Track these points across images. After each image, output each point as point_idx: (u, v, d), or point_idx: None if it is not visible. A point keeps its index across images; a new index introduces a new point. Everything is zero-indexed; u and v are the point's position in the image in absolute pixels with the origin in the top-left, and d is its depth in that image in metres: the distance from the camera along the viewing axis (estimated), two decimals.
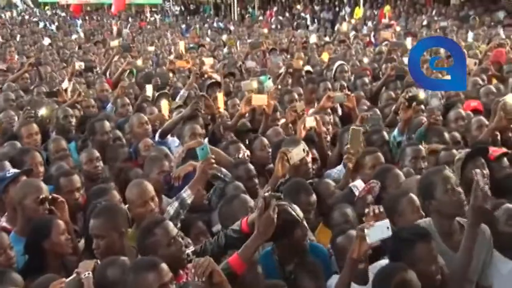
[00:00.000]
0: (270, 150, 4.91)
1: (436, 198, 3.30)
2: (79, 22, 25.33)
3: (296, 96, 6.61)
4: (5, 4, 33.28)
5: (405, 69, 7.60)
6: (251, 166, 4.52)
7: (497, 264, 3.39)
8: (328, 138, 5.48)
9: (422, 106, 5.61)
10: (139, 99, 7.33)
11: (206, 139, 5.43)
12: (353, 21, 19.85)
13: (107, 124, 5.56)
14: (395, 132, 5.13)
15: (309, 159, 4.47)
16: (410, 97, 5.14)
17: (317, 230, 3.99)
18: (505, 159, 4.44)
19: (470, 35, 13.38)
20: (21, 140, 5.43)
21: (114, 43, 12.36)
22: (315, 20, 23.18)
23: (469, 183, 3.25)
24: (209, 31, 19.99)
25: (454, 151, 4.46)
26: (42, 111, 6.14)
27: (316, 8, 24.66)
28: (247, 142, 5.29)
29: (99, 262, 3.05)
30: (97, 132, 5.47)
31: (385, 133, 5.13)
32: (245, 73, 9.34)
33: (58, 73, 9.82)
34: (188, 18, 27.36)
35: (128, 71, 8.91)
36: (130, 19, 25.31)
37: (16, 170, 4.28)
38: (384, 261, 3.22)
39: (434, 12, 19.86)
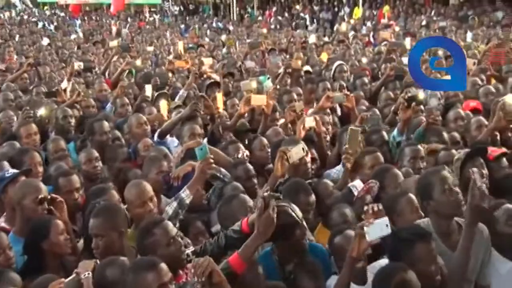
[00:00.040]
0: (269, 150, 4.91)
1: (434, 198, 3.30)
2: (78, 22, 25.31)
3: (295, 96, 6.61)
4: (4, 4, 33.24)
5: (404, 69, 7.62)
6: (250, 166, 4.52)
7: (495, 263, 3.39)
8: (328, 138, 5.48)
9: (422, 106, 5.61)
10: (138, 99, 7.32)
11: (205, 139, 5.43)
12: (352, 21, 19.86)
13: (106, 124, 5.56)
14: (395, 132, 5.13)
15: (308, 159, 4.47)
16: (410, 97, 5.15)
17: (316, 230, 3.99)
18: (504, 159, 4.44)
19: (469, 35, 13.41)
20: (20, 140, 5.43)
21: (113, 43, 12.37)
22: (314, 20, 23.19)
23: (468, 183, 3.23)
24: (208, 31, 19.99)
25: (453, 151, 4.45)
26: (41, 111, 6.14)
27: (315, 8, 24.66)
28: (246, 142, 5.29)
29: (98, 262, 3.05)
30: (96, 132, 5.47)
31: (384, 133, 5.14)
32: (244, 73, 9.34)
33: (57, 73, 9.83)
34: (187, 18, 27.36)
35: (127, 71, 8.90)
36: (129, 19, 25.31)
37: (15, 170, 4.27)
38: (383, 261, 3.22)
39: (433, 12, 19.89)
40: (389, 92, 7.07)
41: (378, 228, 2.89)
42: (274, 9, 26.36)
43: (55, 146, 5.29)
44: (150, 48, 13.54)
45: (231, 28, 21.85)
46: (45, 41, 15.99)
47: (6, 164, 4.58)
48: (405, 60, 8.37)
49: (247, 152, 4.90)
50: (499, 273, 3.37)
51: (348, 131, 4.58)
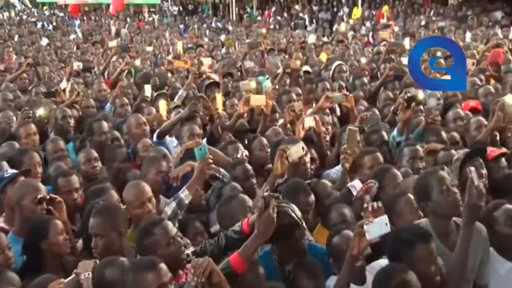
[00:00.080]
0: (269, 150, 4.91)
1: (432, 199, 3.29)
2: (77, 22, 25.30)
3: (294, 96, 6.61)
4: (3, 4, 33.19)
5: (404, 69, 7.63)
6: (249, 166, 4.52)
7: (494, 263, 3.39)
8: (328, 138, 5.48)
9: (421, 107, 5.61)
10: (138, 99, 7.33)
11: (205, 140, 5.43)
12: (351, 21, 19.83)
13: (105, 125, 5.56)
14: (395, 132, 5.13)
15: (307, 159, 4.47)
16: (409, 98, 5.15)
17: (315, 230, 3.99)
18: (503, 159, 4.44)
19: (468, 35, 13.40)
20: (19, 140, 5.43)
21: (112, 43, 12.35)
22: (314, 20, 23.16)
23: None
24: (207, 31, 19.98)
25: (453, 151, 4.46)
26: (40, 112, 6.13)
27: (315, 8, 24.64)
28: (246, 142, 5.29)
29: (98, 262, 3.05)
30: (95, 133, 5.47)
31: (384, 133, 5.14)
32: (244, 73, 9.34)
33: (56, 73, 9.82)
34: (187, 18, 27.34)
35: (126, 71, 8.90)
36: (128, 19, 25.30)
37: (14, 171, 4.27)
38: (382, 261, 3.22)
39: (432, 13, 19.87)
40: (388, 92, 7.07)
41: (377, 227, 2.89)
42: (273, 9, 26.34)
43: (54, 146, 5.29)
44: (149, 48, 13.53)
45: (230, 28, 21.83)
46: (44, 41, 15.99)
47: (5, 164, 4.58)
48: (404, 60, 8.38)
49: (246, 152, 4.90)
50: (498, 273, 3.37)
51: (346, 131, 4.58)
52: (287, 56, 11.12)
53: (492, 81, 7.60)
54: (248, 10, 28.15)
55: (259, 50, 11.11)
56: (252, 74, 8.98)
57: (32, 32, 19.68)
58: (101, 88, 8.09)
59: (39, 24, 23.70)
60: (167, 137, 5.70)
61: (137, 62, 10.47)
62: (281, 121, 5.86)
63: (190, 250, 3.20)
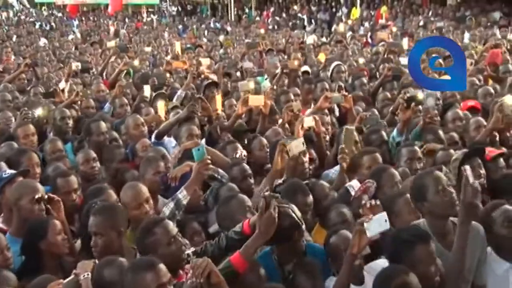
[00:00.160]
0: (268, 150, 4.91)
1: (428, 199, 3.29)
2: (76, 22, 25.27)
3: (293, 97, 6.61)
4: (1, 4, 33.15)
5: (402, 70, 7.63)
6: (246, 166, 4.52)
7: (491, 263, 3.40)
8: (327, 138, 5.48)
9: (420, 107, 5.62)
10: (137, 99, 7.32)
11: (203, 140, 5.43)
12: (350, 21, 19.83)
13: (103, 125, 5.55)
14: (394, 132, 5.14)
15: (306, 159, 4.47)
16: (409, 98, 5.15)
17: (314, 230, 3.99)
18: (501, 159, 4.44)
19: (467, 35, 13.41)
20: (17, 141, 5.42)
21: (111, 43, 12.32)
22: (312, 21, 23.14)
23: None
24: (206, 32, 19.96)
25: (452, 151, 4.46)
26: (39, 112, 6.12)
27: (313, 8, 24.63)
28: (245, 142, 5.29)
29: (97, 262, 3.05)
30: (93, 133, 5.46)
31: (383, 133, 5.14)
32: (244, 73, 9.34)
33: (55, 74, 9.81)
34: (185, 18, 27.28)
35: (125, 71, 8.89)
36: (127, 20, 25.25)
37: (12, 171, 4.26)
38: (380, 261, 3.22)
39: (430, 13, 19.86)
40: (386, 92, 7.08)
41: (377, 224, 2.90)
42: (272, 9, 26.32)
43: (52, 147, 5.27)
44: (148, 49, 13.51)
45: (229, 28, 21.80)
46: (43, 41, 15.97)
47: (3, 164, 4.57)
48: (402, 60, 8.39)
49: (244, 152, 4.90)
50: (495, 273, 3.38)
51: (343, 131, 4.59)
52: (285, 57, 11.11)
53: (490, 82, 7.60)
54: (247, 10, 28.15)
55: (257, 51, 11.12)
56: (250, 74, 8.98)
57: (31, 32, 19.67)
58: (100, 89, 8.08)
59: (37, 25, 23.66)
60: (165, 137, 5.70)
61: (136, 63, 10.47)
62: (279, 121, 5.86)
63: (190, 250, 3.20)
